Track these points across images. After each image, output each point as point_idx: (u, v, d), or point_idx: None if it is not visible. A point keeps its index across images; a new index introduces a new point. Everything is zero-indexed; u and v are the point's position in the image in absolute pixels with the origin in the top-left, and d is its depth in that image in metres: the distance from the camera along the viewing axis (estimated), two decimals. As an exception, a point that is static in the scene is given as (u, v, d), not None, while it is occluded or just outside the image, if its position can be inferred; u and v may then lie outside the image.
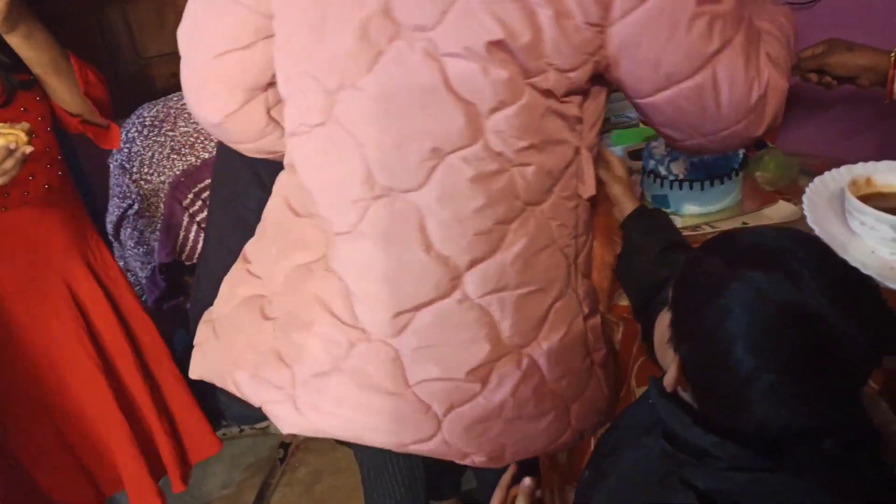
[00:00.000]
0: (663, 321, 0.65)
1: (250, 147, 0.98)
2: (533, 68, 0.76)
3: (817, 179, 0.80)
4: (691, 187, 1.22)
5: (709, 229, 1.21)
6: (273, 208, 0.95)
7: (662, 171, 1.25)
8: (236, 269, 0.99)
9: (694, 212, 1.25)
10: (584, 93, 0.83)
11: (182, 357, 1.23)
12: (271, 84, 0.90)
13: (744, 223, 1.21)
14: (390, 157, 0.80)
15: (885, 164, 0.84)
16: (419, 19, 0.76)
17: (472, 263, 0.82)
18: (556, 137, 0.82)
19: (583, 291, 0.91)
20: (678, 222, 1.23)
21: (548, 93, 0.78)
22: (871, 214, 0.71)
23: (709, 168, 1.22)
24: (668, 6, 0.75)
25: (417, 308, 0.83)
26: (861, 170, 0.81)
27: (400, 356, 0.85)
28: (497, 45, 0.74)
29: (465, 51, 0.75)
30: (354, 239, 0.84)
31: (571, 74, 0.78)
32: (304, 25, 0.81)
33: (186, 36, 0.91)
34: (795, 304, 0.54)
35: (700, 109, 0.81)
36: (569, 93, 0.80)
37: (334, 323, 0.86)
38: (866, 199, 0.75)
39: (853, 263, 0.64)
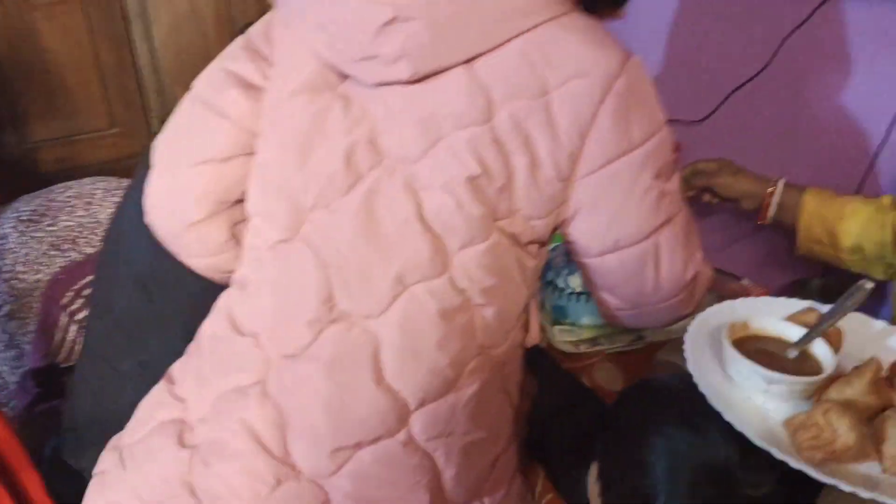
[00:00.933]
0: (593, 474, 0.72)
1: (204, 263, 0.93)
2: (503, 211, 0.78)
3: (698, 317, 0.82)
4: (588, 300, 1.24)
5: (606, 343, 1.22)
6: (212, 325, 0.89)
7: (560, 283, 1.26)
8: (158, 391, 0.91)
9: (591, 323, 1.26)
10: (542, 244, 0.85)
11: (50, 468, 1.10)
12: (239, 200, 0.88)
13: (640, 337, 1.23)
14: (354, 280, 0.79)
15: (763, 302, 0.86)
16: (403, 151, 0.77)
17: (423, 402, 0.78)
18: (515, 283, 0.82)
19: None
20: (577, 334, 1.24)
21: (513, 237, 0.80)
22: (744, 364, 0.72)
23: (604, 281, 1.24)
24: (627, 173, 0.79)
25: (359, 445, 0.78)
26: (742, 309, 0.83)
27: (329, 502, 0.79)
28: (474, 183, 0.76)
29: (444, 186, 0.76)
30: (302, 362, 0.80)
31: (536, 223, 0.80)
32: (290, 147, 0.81)
33: (166, 143, 0.90)
34: (704, 461, 0.63)
35: (641, 278, 0.84)
36: (530, 241, 0.82)
37: (262, 456, 0.79)
38: (743, 341, 0.77)
39: (732, 410, 0.68)
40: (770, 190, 1.14)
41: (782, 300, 0.85)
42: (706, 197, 1.25)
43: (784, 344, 0.76)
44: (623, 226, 0.81)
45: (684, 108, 1.47)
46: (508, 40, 0.75)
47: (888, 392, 0.67)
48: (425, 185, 0.76)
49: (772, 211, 1.15)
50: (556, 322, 1.28)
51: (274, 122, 0.82)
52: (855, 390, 0.66)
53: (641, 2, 1.48)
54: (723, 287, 1.34)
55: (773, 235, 1.35)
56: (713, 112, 1.41)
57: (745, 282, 1.34)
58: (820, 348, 0.75)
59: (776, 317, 0.80)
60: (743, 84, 1.33)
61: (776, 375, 0.69)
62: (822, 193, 1.11)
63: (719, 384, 0.72)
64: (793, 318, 0.79)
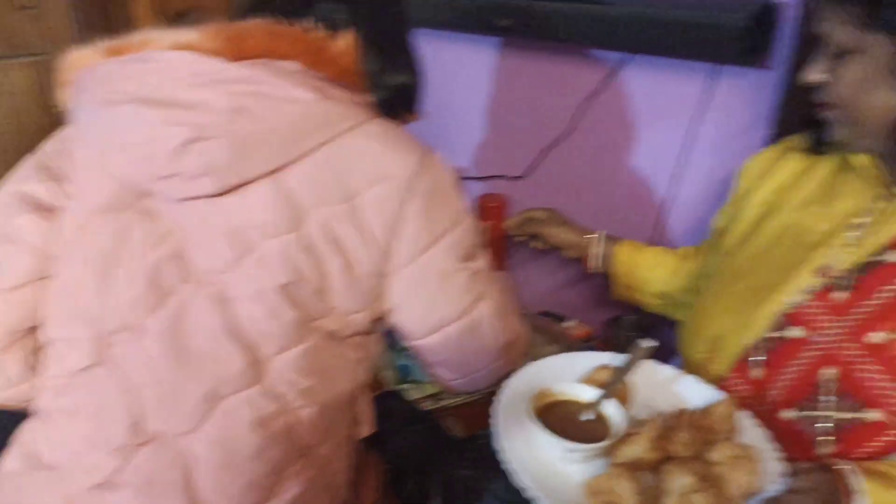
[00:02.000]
0: None
1: (1, 396, 0.87)
2: (319, 311, 0.79)
3: (506, 385, 0.88)
4: (430, 356, 1.28)
5: (448, 398, 1.27)
6: (9, 462, 0.83)
7: (401, 344, 1.30)
8: None
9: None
10: (366, 333, 0.86)
11: None
12: (34, 328, 0.83)
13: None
14: (165, 400, 0.76)
15: (565, 360, 0.93)
16: (212, 264, 0.76)
17: None
18: (338, 378, 0.83)
19: None
20: (421, 391, 1.28)
21: (332, 334, 0.81)
22: (545, 436, 0.78)
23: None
24: (438, 262, 0.83)
25: None
26: (546, 370, 0.89)
27: None
28: (287, 290, 0.76)
29: (255, 295, 0.76)
30: (110, 490, 0.76)
31: (354, 317, 0.82)
32: (92, 268, 0.77)
33: None
34: None
35: (466, 350, 0.89)
36: (352, 334, 0.83)
37: None
38: (546, 408, 0.83)
39: (537, 476, 0.74)
40: (589, 240, 1.25)
41: (582, 355, 0.93)
42: (534, 243, 1.35)
43: (581, 406, 0.83)
44: (441, 309, 0.85)
45: (508, 166, 1.59)
46: (311, 151, 0.77)
47: (667, 445, 0.75)
48: (236, 296, 0.76)
49: (592, 261, 1.26)
50: (401, 381, 1.31)
51: (74, 243, 0.79)
52: (640, 447, 0.74)
53: (460, 71, 1.60)
54: (550, 328, 1.44)
55: (593, 280, 1.47)
56: (531, 168, 1.53)
57: (570, 322, 1.46)
58: (611, 408, 0.81)
59: (573, 378, 0.87)
60: (553, 144, 1.45)
61: (573, 445, 0.76)
62: (633, 244, 1.24)
63: (524, 451, 0.78)
64: (589, 378, 0.88)
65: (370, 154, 0.80)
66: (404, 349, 1.29)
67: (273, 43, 0.78)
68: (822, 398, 0.81)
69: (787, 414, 0.84)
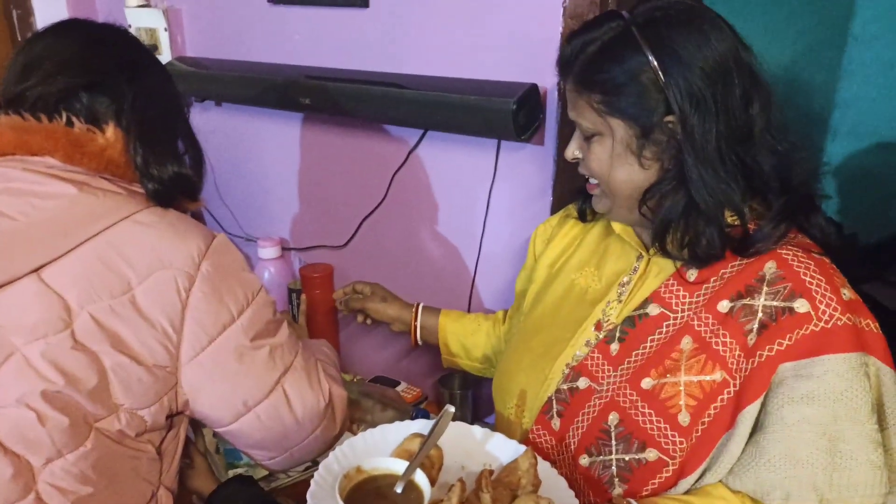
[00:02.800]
0: None
1: None
2: (101, 411, 0.75)
3: (322, 465, 0.84)
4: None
5: (284, 477, 1.25)
6: None
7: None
8: None
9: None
10: (161, 429, 0.83)
11: None
12: None
13: (314, 462, 1.28)
14: None
15: (379, 433, 0.91)
16: None
17: None
18: (127, 480, 0.79)
19: None
20: (253, 473, 1.25)
21: (120, 433, 0.77)
22: None
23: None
24: (233, 344, 0.83)
25: None
26: (360, 447, 0.88)
27: None
28: (50, 395, 0.72)
29: (20, 401, 0.72)
30: None
31: (144, 413, 0.79)
32: None
33: None
34: None
35: (280, 425, 0.88)
36: (145, 431, 0.80)
37: None
38: (359, 486, 0.82)
39: None
40: (413, 316, 1.30)
41: (395, 426, 0.93)
42: (360, 318, 1.37)
43: (394, 478, 0.82)
44: (245, 389, 0.85)
45: (331, 236, 1.62)
46: (77, 245, 0.75)
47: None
48: (0, 405, 0.72)
49: (417, 335, 1.30)
50: (230, 466, 1.27)
51: None
52: None
53: (274, 145, 1.63)
54: (384, 393, 1.47)
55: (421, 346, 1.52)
56: (352, 238, 1.57)
57: (402, 386, 1.50)
58: (420, 477, 0.80)
59: (384, 452, 0.87)
60: (369, 214, 1.51)
61: None
62: (453, 313, 1.29)
63: None
64: (399, 450, 0.90)
65: (144, 244, 0.78)
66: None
67: (24, 139, 0.76)
68: (611, 443, 0.87)
69: (584, 460, 0.89)
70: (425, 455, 0.84)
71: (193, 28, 1.73)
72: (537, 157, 1.23)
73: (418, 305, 1.31)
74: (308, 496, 0.81)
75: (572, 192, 1.16)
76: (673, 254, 0.88)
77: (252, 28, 1.58)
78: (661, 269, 0.91)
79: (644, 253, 0.93)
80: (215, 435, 1.24)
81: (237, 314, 0.84)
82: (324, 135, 1.55)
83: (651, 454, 0.84)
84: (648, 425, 0.84)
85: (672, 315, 0.87)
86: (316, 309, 1.61)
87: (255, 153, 1.72)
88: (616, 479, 0.86)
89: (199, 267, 0.81)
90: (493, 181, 1.29)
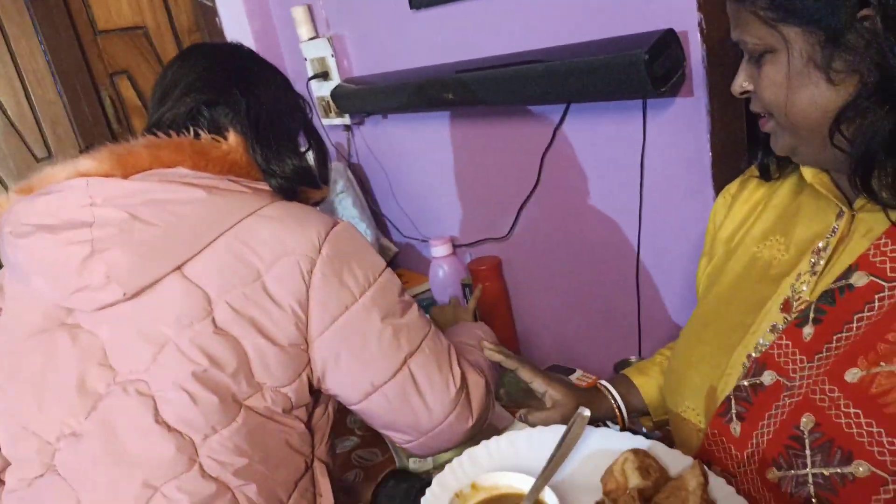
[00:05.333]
0: None
1: None
2: (245, 391, 0.83)
3: (435, 480, 0.74)
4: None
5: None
6: None
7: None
8: None
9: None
10: (307, 405, 0.89)
11: None
12: None
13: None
14: (103, 497, 0.81)
15: (489, 449, 0.79)
16: (133, 364, 0.82)
17: None
18: (280, 453, 0.86)
19: None
20: (430, 462, 1.28)
21: (267, 410, 0.84)
22: None
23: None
24: (356, 322, 0.87)
25: None
26: (469, 467, 0.76)
27: None
28: (204, 376, 0.81)
29: (175, 385, 0.81)
30: None
31: (286, 390, 0.85)
32: (27, 388, 0.85)
33: None
34: None
35: (409, 407, 0.90)
36: (291, 407, 0.87)
37: None
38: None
39: None
40: (609, 397, 0.99)
41: (527, 433, 0.79)
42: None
43: (518, 498, 0.70)
44: (371, 368, 0.88)
45: (494, 227, 1.62)
46: (211, 242, 0.84)
47: None
48: (159, 388, 0.82)
49: (625, 417, 0.99)
50: (411, 455, 1.32)
51: (9, 369, 0.87)
52: None
53: (437, 145, 1.67)
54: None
55: (598, 328, 1.45)
56: (513, 227, 1.55)
57: (577, 374, 1.43)
58: (550, 497, 0.69)
59: (512, 465, 0.74)
60: (525, 200, 1.48)
61: None
62: (642, 367, 1.03)
63: None
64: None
65: (269, 234, 0.85)
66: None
67: (156, 154, 0.86)
68: (805, 452, 0.68)
69: (772, 474, 0.71)
70: (556, 468, 0.73)
71: (356, 50, 1.86)
72: (687, 110, 1.10)
73: (603, 386, 1.00)
74: None
75: (734, 143, 1.02)
76: (884, 199, 0.67)
77: (401, 38, 1.65)
78: (870, 227, 0.71)
79: (845, 208, 0.73)
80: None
81: (359, 294, 0.87)
82: (473, 128, 1.56)
83: (861, 468, 0.64)
84: (855, 430, 0.65)
85: (887, 284, 0.67)
86: (487, 301, 1.63)
87: (419, 157, 1.79)
88: (814, 501, 0.67)
89: (319, 250, 0.86)
90: (643, 147, 1.19)
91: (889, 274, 0.67)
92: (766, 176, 0.86)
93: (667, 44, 1.03)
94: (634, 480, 0.68)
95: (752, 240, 0.84)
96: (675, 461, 0.73)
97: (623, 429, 0.98)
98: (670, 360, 0.92)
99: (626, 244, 1.31)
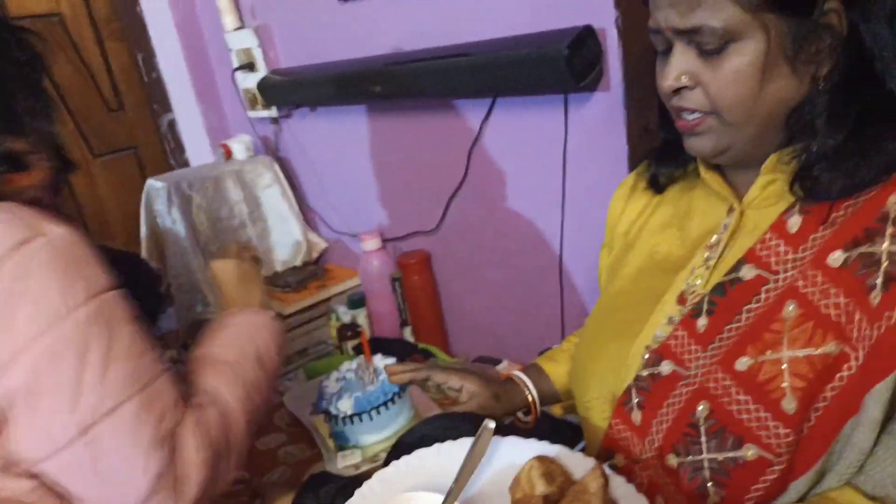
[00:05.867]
0: None
1: None
2: None
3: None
4: (361, 419, 1.29)
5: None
6: None
7: (333, 409, 1.31)
8: None
9: (372, 440, 1.31)
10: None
11: None
12: None
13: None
14: None
15: (398, 469, 0.77)
16: None
17: None
18: None
19: None
20: (358, 455, 1.28)
21: None
22: None
23: (370, 398, 1.30)
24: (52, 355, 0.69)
25: None
26: (380, 491, 0.74)
27: None
28: None
29: None
30: None
31: None
32: None
33: None
34: None
35: (83, 480, 0.72)
36: None
37: None
38: None
39: None
40: (524, 388, 1.00)
41: (435, 448, 0.78)
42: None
43: None
44: (58, 419, 0.70)
45: (422, 221, 1.63)
46: None
47: None
48: None
49: (537, 407, 1.01)
50: (340, 448, 1.32)
51: None
52: None
53: (363, 139, 1.67)
54: (486, 372, 1.45)
55: (525, 319, 1.49)
56: (441, 220, 1.57)
57: (503, 364, 1.46)
58: None
59: (424, 484, 0.73)
60: (453, 194, 1.50)
61: None
62: (551, 354, 1.06)
63: None
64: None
65: None
66: (335, 415, 1.30)
67: None
68: (701, 439, 0.71)
69: (672, 460, 0.73)
70: (464, 483, 0.71)
71: (283, 41, 1.84)
72: (605, 104, 1.15)
73: (517, 377, 1.01)
74: None
75: (650, 135, 1.06)
76: (832, 189, 0.67)
77: (330, 29, 1.65)
78: (756, 223, 0.74)
79: (736, 205, 0.75)
80: (328, 419, 1.29)
81: (51, 324, 0.70)
82: (402, 122, 1.57)
83: (750, 451, 0.67)
84: (745, 416, 0.68)
85: (771, 277, 0.70)
86: (416, 294, 1.64)
87: (348, 151, 1.79)
88: (710, 485, 0.70)
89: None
90: (565, 140, 1.23)
91: (773, 267, 0.70)
92: (656, 188, 0.86)
93: (584, 39, 1.07)
94: (540, 487, 0.68)
95: (649, 232, 0.86)
96: (579, 464, 0.74)
97: (536, 417, 1.00)
98: (576, 351, 0.93)
99: (550, 236, 1.35)
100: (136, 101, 2.25)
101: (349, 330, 1.67)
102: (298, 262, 1.98)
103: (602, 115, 1.16)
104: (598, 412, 0.83)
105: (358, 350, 1.64)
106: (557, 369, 1.02)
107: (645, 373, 0.77)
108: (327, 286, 1.83)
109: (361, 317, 1.71)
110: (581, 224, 1.29)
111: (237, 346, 0.91)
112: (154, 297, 1.45)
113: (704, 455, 0.70)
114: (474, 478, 0.74)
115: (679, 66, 0.69)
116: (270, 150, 2.06)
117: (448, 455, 0.76)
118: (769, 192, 0.73)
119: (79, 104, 2.17)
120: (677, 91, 0.70)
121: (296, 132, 1.94)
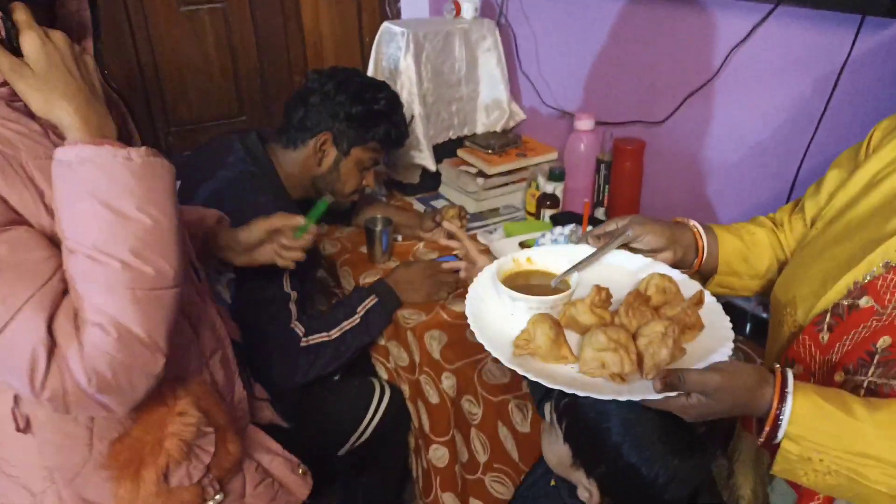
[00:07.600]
0: (560, 450, 0.89)
1: None
2: None
3: (493, 265, 0.97)
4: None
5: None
6: None
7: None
8: None
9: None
10: None
11: None
12: None
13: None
14: None
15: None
16: None
17: None
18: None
19: None
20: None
21: None
22: (500, 287, 0.88)
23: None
24: None
25: None
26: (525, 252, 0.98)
27: None
28: None
29: None
30: None
31: None
32: None
33: None
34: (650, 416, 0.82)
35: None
36: None
37: None
38: (517, 276, 0.96)
39: (488, 326, 0.85)
40: (697, 236, 1.05)
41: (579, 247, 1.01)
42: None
43: (553, 276, 0.95)
44: None
45: (647, 111, 1.69)
46: None
47: (603, 312, 0.86)
48: None
49: (705, 256, 1.05)
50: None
51: None
52: (577, 310, 0.86)
53: (602, 21, 1.70)
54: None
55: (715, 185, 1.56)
56: (672, 114, 1.62)
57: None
58: (573, 277, 0.92)
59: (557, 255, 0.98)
60: (695, 90, 1.54)
61: (516, 294, 0.87)
62: (729, 226, 1.08)
63: (482, 309, 0.89)
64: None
65: None
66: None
67: None
68: (871, 365, 0.79)
69: (839, 376, 0.83)
70: (590, 262, 0.97)
71: None
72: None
73: (692, 223, 1.06)
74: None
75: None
76: None
77: None
78: None
79: None
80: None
81: None
82: (658, 12, 1.58)
83: None
84: None
85: None
86: (623, 180, 1.73)
87: (577, 30, 1.82)
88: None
89: None
90: (842, 66, 1.23)
91: None
92: None
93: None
94: (652, 293, 0.89)
95: None
96: (692, 289, 0.92)
97: (697, 270, 1.05)
98: (785, 269, 0.98)
99: (784, 169, 1.38)
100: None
101: (548, 199, 1.80)
102: (498, 129, 2.09)
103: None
104: (790, 320, 0.92)
105: (555, 220, 1.77)
106: (730, 240, 1.06)
107: (845, 302, 0.83)
108: (527, 156, 1.94)
109: (559, 190, 1.82)
110: (824, 168, 1.30)
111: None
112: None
113: (868, 377, 0.79)
114: (597, 265, 0.98)
115: None
116: (494, 13, 2.12)
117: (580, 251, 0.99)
118: None
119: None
120: None
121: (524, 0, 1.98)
